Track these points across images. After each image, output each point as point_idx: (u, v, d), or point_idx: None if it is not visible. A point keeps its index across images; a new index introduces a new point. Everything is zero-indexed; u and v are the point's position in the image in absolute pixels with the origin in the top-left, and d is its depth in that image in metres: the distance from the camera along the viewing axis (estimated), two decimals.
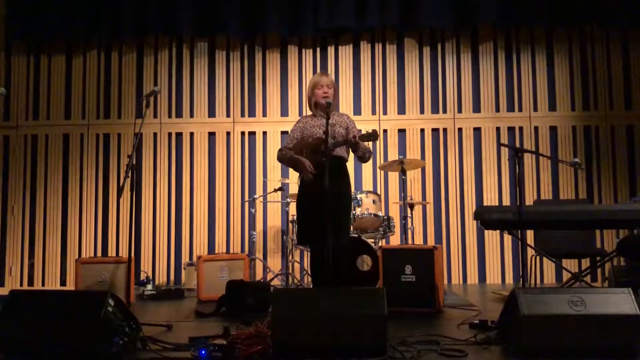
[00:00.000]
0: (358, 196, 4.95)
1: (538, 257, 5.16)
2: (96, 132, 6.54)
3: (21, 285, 6.33)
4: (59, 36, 6.49)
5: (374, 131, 3.43)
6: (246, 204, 6.29)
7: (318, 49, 6.57)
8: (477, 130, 6.40)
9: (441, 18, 6.22)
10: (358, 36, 6.54)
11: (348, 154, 3.81)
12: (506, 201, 6.24)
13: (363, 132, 3.53)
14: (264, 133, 6.49)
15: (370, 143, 3.72)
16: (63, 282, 6.34)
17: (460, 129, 6.39)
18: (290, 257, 5.50)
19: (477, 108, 6.43)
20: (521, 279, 3.76)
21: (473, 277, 6.18)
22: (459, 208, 6.29)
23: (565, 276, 5.56)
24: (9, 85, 6.54)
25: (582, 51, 6.43)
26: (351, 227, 4.84)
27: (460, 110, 6.43)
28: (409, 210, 5.13)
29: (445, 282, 5.97)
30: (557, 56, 6.43)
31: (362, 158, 3.72)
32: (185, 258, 6.29)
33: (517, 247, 5.97)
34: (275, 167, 6.34)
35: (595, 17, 6.19)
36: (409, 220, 5.12)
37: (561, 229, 4.47)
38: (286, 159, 3.78)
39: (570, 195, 6.21)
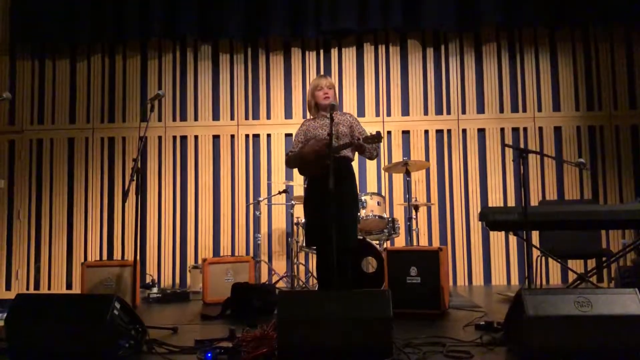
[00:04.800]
0: (362, 198, 4.95)
1: (543, 258, 5.15)
2: (101, 136, 6.56)
3: (27, 288, 6.35)
4: (63, 40, 6.52)
5: (378, 133, 3.44)
6: (251, 207, 6.30)
7: (321, 52, 6.57)
8: (481, 131, 6.39)
9: (444, 19, 6.22)
10: (361, 38, 6.54)
11: (354, 153, 3.81)
12: (511, 202, 6.23)
13: (367, 133, 3.53)
14: (268, 135, 6.50)
15: None
16: (69, 286, 6.36)
17: (464, 130, 6.39)
18: (295, 260, 5.51)
19: (481, 109, 6.43)
20: (527, 280, 3.75)
21: (478, 278, 6.16)
22: (463, 209, 6.28)
23: (571, 277, 5.55)
24: (14, 90, 6.58)
25: (585, 51, 6.42)
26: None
27: (464, 111, 6.42)
28: (413, 211, 5.12)
29: (451, 283, 5.95)
30: (560, 56, 6.42)
31: (370, 157, 3.74)
32: (190, 261, 6.31)
33: (523, 247, 5.95)
34: (279, 169, 6.35)
35: (599, 16, 6.18)
36: (414, 222, 5.12)
37: (566, 230, 4.45)
38: (292, 159, 3.80)
39: (575, 195, 6.19)
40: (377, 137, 3.42)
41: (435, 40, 6.53)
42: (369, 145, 3.59)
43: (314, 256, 5.39)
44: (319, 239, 3.64)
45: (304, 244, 4.68)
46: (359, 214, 4.83)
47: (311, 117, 3.96)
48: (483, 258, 6.19)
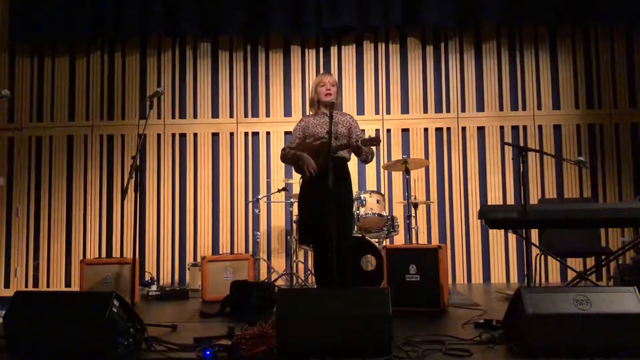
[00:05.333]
0: (362, 196, 4.94)
1: (543, 256, 5.15)
2: (100, 133, 6.55)
3: (26, 286, 6.35)
4: (62, 38, 6.51)
5: (377, 135, 3.42)
6: (250, 205, 6.30)
7: (321, 49, 6.56)
8: (480, 129, 6.38)
9: (444, 17, 6.21)
10: (361, 36, 6.53)
11: (350, 154, 3.80)
12: (510, 200, 6.23)
13: (365, 135, 3.51)
14: (268, 133, 6.49)
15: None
16: (68, 283, 6.36)
17: (463, 128, 6.38)
18: (294, 257, 5.50)
19: (480, 107, 6.42)
20: (526, 278, 3.75)
21: (477, 277, 6.17)
22: (463, 207, 6.28)
23: (570, 275, 5.55)
24: (13, 87, 6.57)
25: (586, 49, 6.41)
26: (355, 227, 4.85)
27: (463, 110, 6.42)
28: (412, 209, 5.12)
29: (450, 281, 5.95)
30: (560, 54, 6.41)
31: (365, 160, 3.73)
32: (189, 259, 6.31)
33: (522, 246, 5.96)
34: (278, 167, 6.34)
35: (599, 14, 6.17)
36: (413, 220, 5.12)
37: (566, 228, 4.45)
38: (288, 157, 3.79)
39: (574, 193, 6.19)
40: (375, 140, 3.40)
41: (435, 38, 6.52)
42: (366, 148, 3.58)
43: (313, 254, 5.39)
44: (313, 236, 3.64)
45: (298, 241, 4.67)
46: (357, 212, 4.85)
47: (311, 113, 3.94)
48: (482, 256, 6.20)
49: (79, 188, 6.48)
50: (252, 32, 6.45)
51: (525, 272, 3.77)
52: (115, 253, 6.36)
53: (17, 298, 2.72)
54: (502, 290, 5.11)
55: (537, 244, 4.70)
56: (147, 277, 5.93)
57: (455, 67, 6.47)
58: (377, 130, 6.30)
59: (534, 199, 6.13)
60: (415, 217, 5.29)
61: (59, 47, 6.65)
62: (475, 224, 6.20)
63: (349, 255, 3.69)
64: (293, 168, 3.89)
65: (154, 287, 5.32)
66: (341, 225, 3.50)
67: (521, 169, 3.60)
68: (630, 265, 4.80)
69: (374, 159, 3.88)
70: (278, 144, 6.41)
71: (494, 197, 6.26)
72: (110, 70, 6.65)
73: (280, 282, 5.58)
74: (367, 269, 4.69)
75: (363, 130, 3.89)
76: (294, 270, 5.40)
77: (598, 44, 6.40)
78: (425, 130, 6.40)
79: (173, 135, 6.54)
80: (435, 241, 6.21)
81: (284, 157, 3.83)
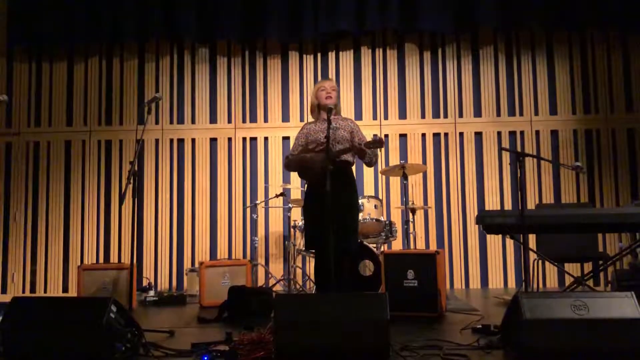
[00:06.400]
0: (360, 201, 4.94)
1: (540, 261, 5.15)
2: (98, 138, 6.55)
3: (23, 292, 6.32)
4: (61, 43, 6.51)
5: (380, 139, 3.42)
6: (248, 210, 6.30)
7: (319, 55, 6.58)
8: (478, 135, 6.40)
9: (441, 22, 6.23)
10: (358, 41, 6.55)
11: (353, 157, 3.81)
12: (508, 205, 6.24)
13: (368, 138, 3.52)
14: (266, 138, 6.50)
15: None
16: (65, 289, 6.34)
17: (461, 134, 6.40)
18: (292, 263, 5.50)
19: (478, 112, 6.44)
20: (523, 283, 3.75)
21: (475, 282, 6.16)
22: (460, 212, 6.28)
23: (568, 280, 5.55)
24: (11, 92, 6.56)
25: (582, 54, 6.44)
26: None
27: (461, 115, 6.43)
28: (410, 215, 5.13)
29: (448, 286, 5.96)
30: (557, 60, 6.44)
31: (369, 163, 3.74)
32: (187, 264, 6.30)
33: (519, 251, 5.96)
34: (276, 172, 6.35)
35: (596, 20, 6.20)
36: (411, 225, 5.12)
37: (563, 233, 4.46)
38: (293, 163, 3.79)
39: (572, 199, 6.20)
40: (378, 142, 3.41)
41: (432, 43, 6.54)
42: (369, 151, 3.59)
43: (311, 259, 5.39)
44: (319, 242, 3.62)
45: (304, 248, 4.68)
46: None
47: (312, 120, 3.94)
48: (480, 261, 6.20)
49: (76, 193, 6.47)
50: (250, 38, 6.46)
51: (523, 277, 3.77)
52: (113, 258, 6.35)
53: (14, 304, 2.71)
54: (499, 295, 5.11)
55: (535, 249, 4.70)
56: (144, 283, 5.92)
57: (453, 73, 6.49)
58: (375, 135, 6.29)
59: (531, 204, 6.14)
60: (413, 222, 5.29)
61: (57, 52, 6.65)
62: (473, 229, 6.20)
63: (350, 260, 3.68)
64: (297, 174, 3.89)
65: (151, 293, 5.32)
66: (343, 228, 3.49)
67: (518, 174, 3.61)
68: (628, 271, 4.80)
69: (377, 162, 3.88)
70: (276, 149, 6.42)
71: (492, 202, 6.26)
72: (108, 76, 6.66)
73: (278, 288, 5.57)
74: (365, 274, 4.69)
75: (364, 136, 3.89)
76: (292, 276, 5.40)
77: (594, 49, 6.43)
78: (423, 135, 6.41)
79: (171, 140, 6.54)
80: (433, 246, 6.21)
81: (288, 165, 3.83)
